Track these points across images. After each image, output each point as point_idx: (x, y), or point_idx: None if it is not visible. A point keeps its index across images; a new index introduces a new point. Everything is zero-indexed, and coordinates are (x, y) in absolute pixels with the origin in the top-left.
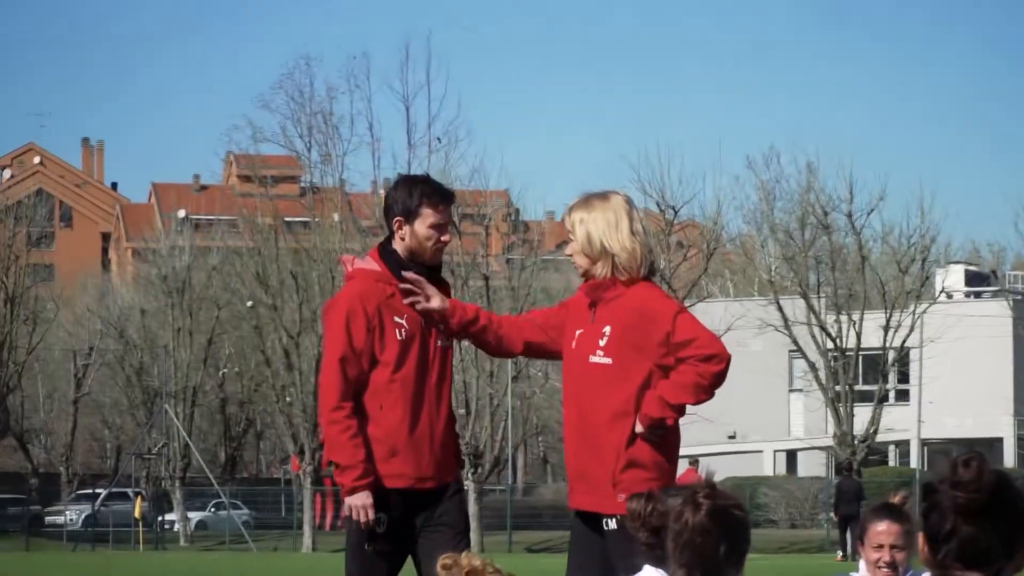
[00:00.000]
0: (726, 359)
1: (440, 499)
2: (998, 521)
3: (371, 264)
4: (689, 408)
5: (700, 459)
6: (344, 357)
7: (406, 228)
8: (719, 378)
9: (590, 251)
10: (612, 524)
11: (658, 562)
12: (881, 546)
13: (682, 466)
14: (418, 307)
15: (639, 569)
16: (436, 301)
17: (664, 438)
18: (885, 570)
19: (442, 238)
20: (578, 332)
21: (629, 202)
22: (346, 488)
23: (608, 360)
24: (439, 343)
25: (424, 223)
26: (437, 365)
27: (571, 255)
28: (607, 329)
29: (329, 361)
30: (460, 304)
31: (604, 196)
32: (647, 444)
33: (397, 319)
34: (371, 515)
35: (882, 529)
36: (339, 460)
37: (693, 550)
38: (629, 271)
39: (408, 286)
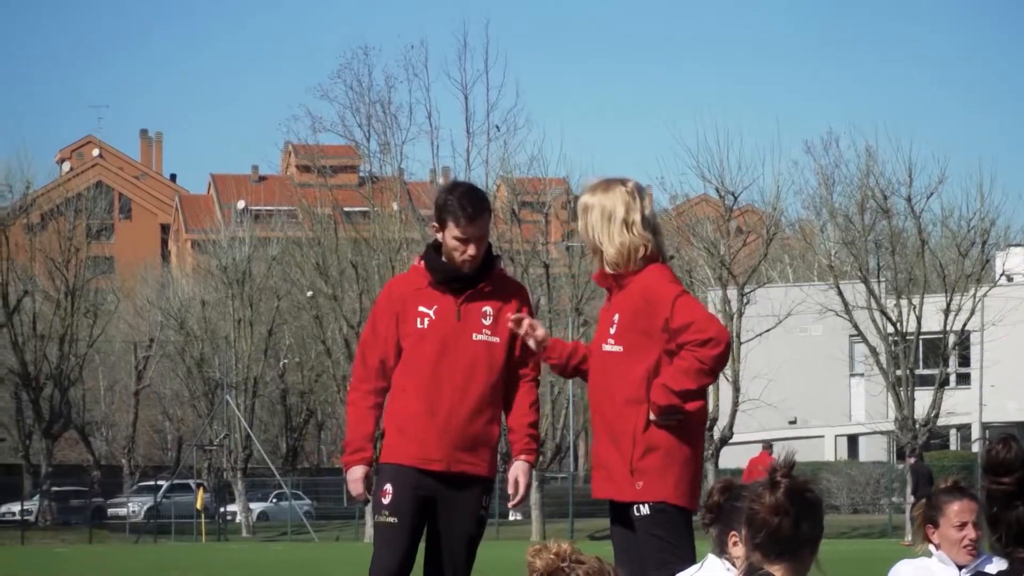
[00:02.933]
0: (724, 341)
1: (459, 486)
2: None
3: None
4: (751, 393)
5: (773, 443)
6: (366, 341)
7: (440, 234)
8: (719, 361)
9: (588, 241)
10: (643, 510)
11: (719, 552)
12: (964, 524)
13: (755, 450)
14: (524, 336)
15: (669, 558)
16: (540, 333)
17: (683, 422)
18: (969, 547)
19: (468, 251)
20: (599, 323)
21: (633, 192)
22: (343, 463)
23: (619, 348)
24: (477, 337)
25: (449, 235)
26: (470, 359)
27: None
28: (617, 317)
29: (358, 344)
30: (559, 342)
31: (607, 185)
32: (663, 430)
33: (423, 308)
34: (359, 489)
35: (962, 507)
36: (346, 437)
37: (769, 531)
38: (615, 266)
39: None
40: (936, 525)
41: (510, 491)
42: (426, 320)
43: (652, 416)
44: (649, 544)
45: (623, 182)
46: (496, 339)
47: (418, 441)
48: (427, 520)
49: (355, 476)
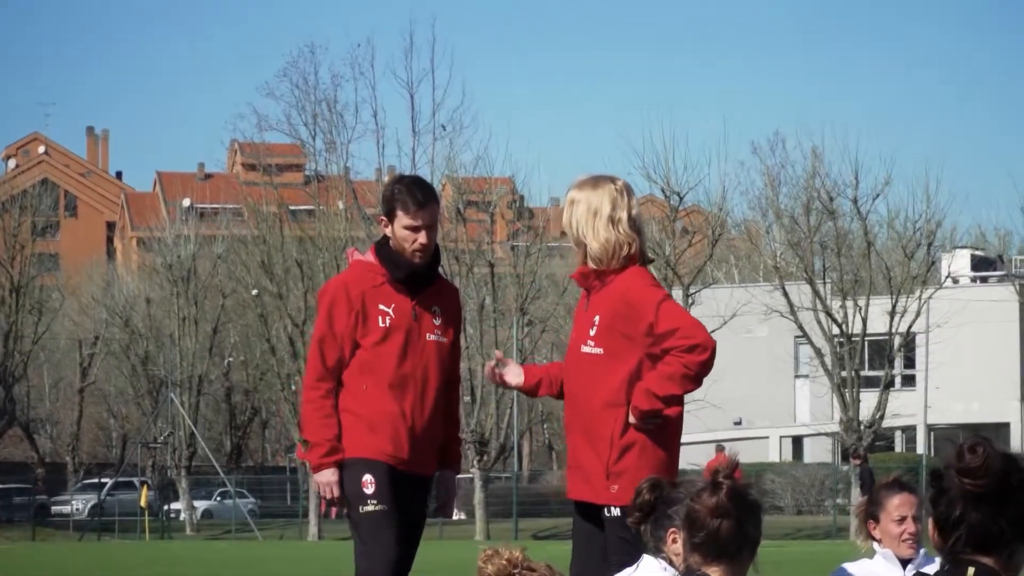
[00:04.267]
0: (710, 347)
1: (415, 486)
2: (1007, 505)
3: (368, 256)
4: (695, 394)
5: (724, 444)
6: (323, 340)
7: (388, 228)
8: (705, 367)
9: (572, 235)
10: (614, 512)
11: (655, 551)
12: (904, 518)
13: (710, 452)
14: (499, 382)
15: (630, 562)
16: (513, 379)
17: (662, 427)
18: (910, 541)
19: (419, 239)
20: (575, 322)
21: (622, 190)
22: (313, 465)
23: (599, 350)
24: (430, 337)
25: (399, 224)
26: (425, 358)
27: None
28: (597, 318)
29: (312, 343)
30: (534, 369)
31: (596, 181)
32: (642, 433)
33: (383, 306)
34: (336, 491)
35: (902, 501)
36: (309, 437)
37: (710, 533)
38: (599, 262)
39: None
40: (877, 520)
41: (438, 501)
42: (387, 319)
43: (632, 420)
44: (614, 545)
45: (612, 180)
46: (444, 339)
47: (390, 440)
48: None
49: (331, 479)
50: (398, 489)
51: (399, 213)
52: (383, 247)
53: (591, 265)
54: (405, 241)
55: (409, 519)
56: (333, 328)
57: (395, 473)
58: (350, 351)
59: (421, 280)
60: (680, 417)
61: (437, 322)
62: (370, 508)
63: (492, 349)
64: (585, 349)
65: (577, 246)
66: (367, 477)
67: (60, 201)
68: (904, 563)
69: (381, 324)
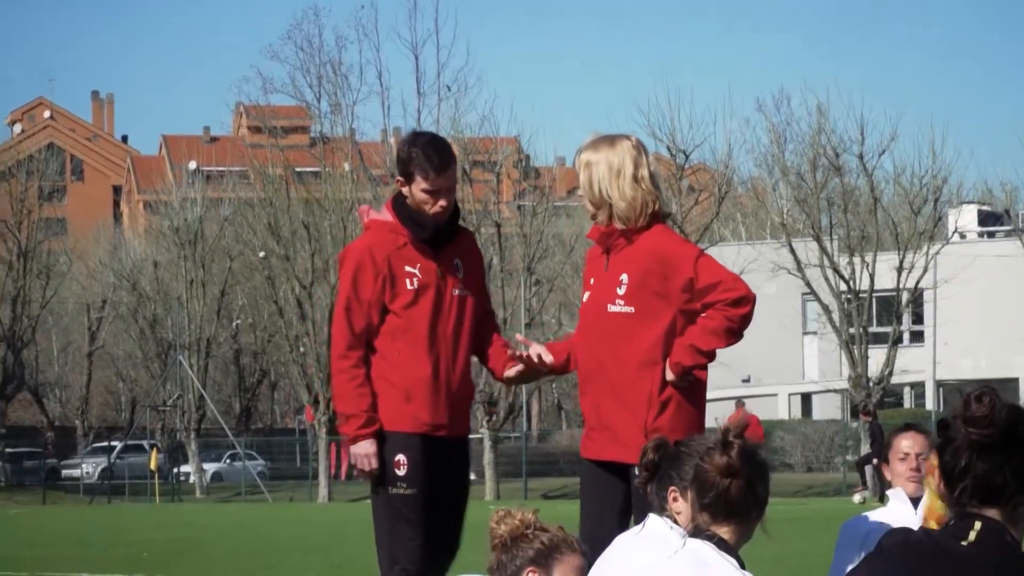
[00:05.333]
0: (752, 299)
1: (455, 447)
2: (1013, 457)
3: (385, 215)
4: None
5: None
6: (350, 307)
7: (406, 189)
8: (747, 320)
9: (592, 197)
10: None
11: (660, 510)
12: (907, 455)
13: (719, 409)
14: (535, 366)
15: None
16: (547, 358)
17: (693, 384)
18: (914, 477)
19: (438, 203)
20: (592, 281)
21: (639, 147)
22: (349, 437)
23: (630, 308)
24: (456, 292)
25: (417, 188)
26: (454, 314)
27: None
28: (624, 277)
29: (337, 311)
30: (557, 346)
31: (612, 140)
32: (677, 391)
33: (409, 268)
34: (374, 464)
35: (908, 439)
36: (343, 409)
37: (719, 492)
38: (627, 220)
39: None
40: (887, 462)
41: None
42: (415, 280)
43: (671, 377)
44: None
45: (627, 137)
46: (468, 292)
47: (428, 408)
48: (437, 490)
49: (369, 450)
50: (436, 459)
51: (417, 177)
52: (402, 205)
53: (617, 224)
54: (424, 204)
55: (448, 488)
56: (359, 294)
57: (432, 443)
58: (379, 316)
59: (443, 237)
60: (706, 372)
61: (460, 275)
62: (399, 491)
63: (514, 334)
64: (613, 308)
65: (597, 207)
66: (400, 457)
67: (66, 165)
68: (915, 502)
69: (410, 286)
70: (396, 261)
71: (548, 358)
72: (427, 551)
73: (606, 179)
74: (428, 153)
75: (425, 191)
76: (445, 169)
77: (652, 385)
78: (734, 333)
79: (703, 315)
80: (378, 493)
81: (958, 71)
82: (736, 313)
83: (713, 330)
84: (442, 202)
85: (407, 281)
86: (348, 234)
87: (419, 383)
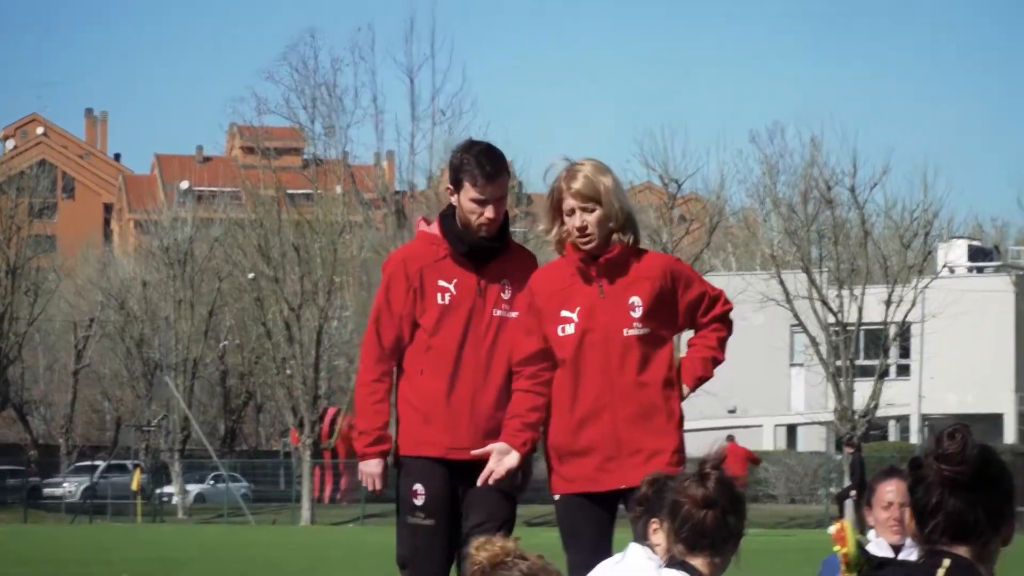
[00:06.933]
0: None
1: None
2: (983, 494)
3: (434, 228)
4: None
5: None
6: (379, 318)
7: (455, 197)
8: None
9: (619, 218)
10: None
11: (643, 538)
12: (891, 504)
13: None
14: (498, 481)
15: None
16: (510, 461)
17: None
18: (896, 527)
19: (486, 214)
20: (578, 309)
21: None
22: (358, 454)
23: (646, 330)
24: (496, 312)
25: (466, 196)
26: (492, 334)
27: (586, 226)
28: (636, 300)
29: (369, 322)
30: (516, 430)
31: (604, 165)
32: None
33: (442, 283)
34: (379, 485)
35: (890, 487)
36: (358, 424)
37: (695, 524)
38: (639, 237)
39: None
40: (871, 507)
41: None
42: (447, 296)
43: (687, 391)
44: None
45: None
46: (514, 314)
47: (446, 429)
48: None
49: (374, 470)
50: (458, 485)
51: (466, 185)
52: (447, 218)
53: (617, 243)
54: (472, 214)
55: (482, 505)
56: (391, 306)
57: (456, 468)
58: (410, 330)
59: (487, 252)
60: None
61: (506, 295)
62: (416, 521)
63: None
64: (632, 332)
65: (618, 230)
66: (417, 486)
67: (58, 182)
68: (896, 550)
69: (440, 301)
70: (429, 274)
71: (509, 463)
72: None
73: (625, 199)
74: (480, 160)
75: (474, 199)
76: (496, 177)
77: (677, 405)
78: (726, 344)
79: (709, 328)
80: (400, 516)
81: (952, 107)
82: (729, 325)
83: (722, 340)
84: (489, 213)
85: (438, 296)
86: (338, 257)
87: (436, 403)
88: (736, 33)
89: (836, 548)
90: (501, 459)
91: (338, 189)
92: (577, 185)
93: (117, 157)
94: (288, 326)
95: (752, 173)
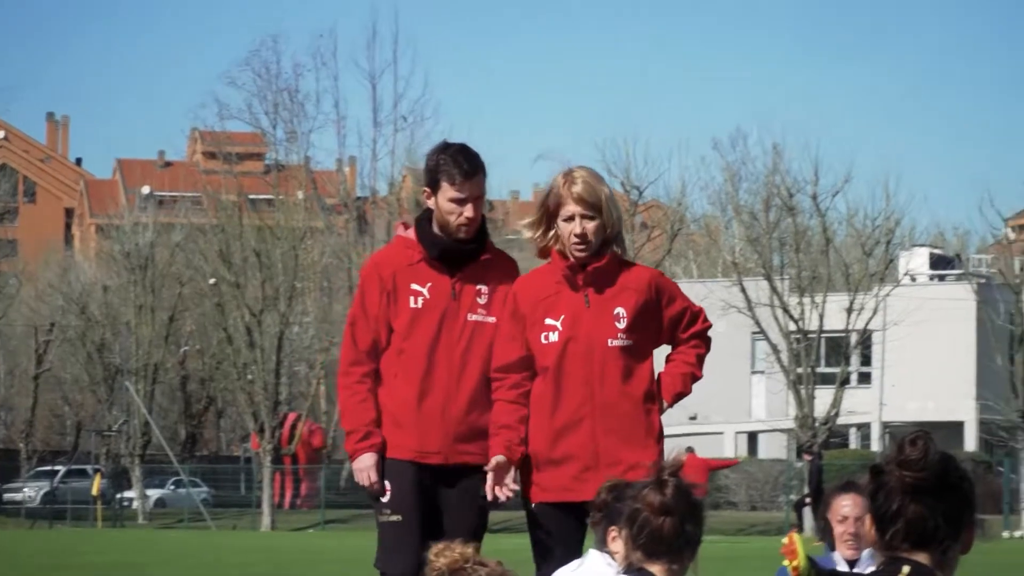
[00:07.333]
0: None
1: (458, 478)
2: (944, 501)
3: (411, 233)
4: None
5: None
6: (355, 322)
7: (432, 200)
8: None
9: (613, 229)
10: None
11: (601, 544)
12: (845, 518)
13: (677, 444)
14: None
15: None
16: (510, 477)
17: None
18: (850, 541)
19: (465, 213)
20: (562, 318)
21: None
22: (349, 452)
23: (629, 342)
24: (472, 317)
25: (444, 197)
26: (466, 338)
27: (585, 233)
28: (621, 311)
29: (346, 325)
30: (513, 444)
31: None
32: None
33: (415, 286)
34: (374, 477)
35: (845, 501)
36: (344, 425)
37: (652, 530)
38: (625, 249)
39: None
40: (827, 520)
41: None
42: (420, 299)
43: (667, 405)
44: None
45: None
46: (491, 319)
47: (415, 433)
48: (429, 515)
49: (366, 464)
50: (430, 487)
51: (444, 185)
52: (423, 222)
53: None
54: (450, 215)
55: (455, 518)
56: (366, 310)
57: (428, 471)
58: (386, 334)
59: (462, 256)
60: None
61: (482, 300)
62: (384, 518)
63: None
64: (616, 343)
65: (613, 239)
66: (385, 483)
67: (19, 187)
68: (851, 565)
69: (412, 304)
70: (402, 277)
71: (512, 485)
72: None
73: (619, 209)
74: (457, 158)
75: (453, 199)
76: (474, 175)
77: (656, 416)
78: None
79: (688, 344)
80: (378, 510)
81: (914, 115)
82: (707, 342)
83: (701, 356)
84: (468, 212)
85: (410, 299)
86: (300, 262)
87: (407, 408)
88: (699, 40)
89: (786, 562)
90: (503, 475)
91: (300, 195)
92: (581, 192)
93: (79, 161)
94: (249, 331)
95: (714, 180)
